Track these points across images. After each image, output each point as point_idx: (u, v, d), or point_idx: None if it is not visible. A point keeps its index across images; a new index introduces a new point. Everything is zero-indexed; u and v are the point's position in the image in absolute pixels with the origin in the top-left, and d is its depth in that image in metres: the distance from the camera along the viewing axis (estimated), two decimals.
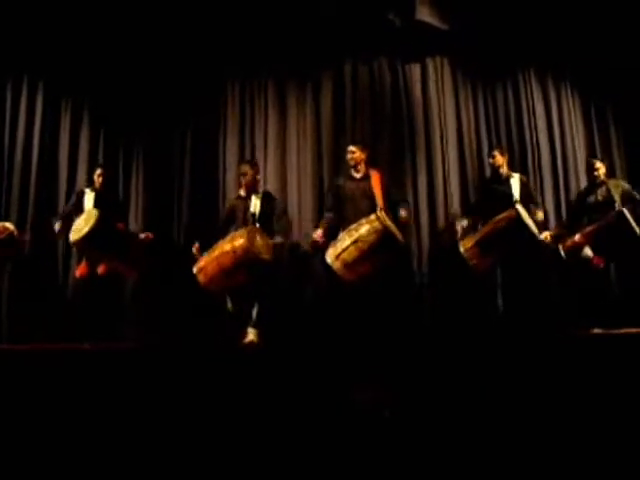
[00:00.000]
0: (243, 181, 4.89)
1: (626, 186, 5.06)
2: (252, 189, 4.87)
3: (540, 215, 5.06)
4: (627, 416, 3.03)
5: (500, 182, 5.13)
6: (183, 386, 3.36)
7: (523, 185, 5.10)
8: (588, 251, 4.89)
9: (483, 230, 4.75)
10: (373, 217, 4.43)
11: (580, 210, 5.21)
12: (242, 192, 4.91)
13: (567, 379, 3.29)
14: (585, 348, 3.65)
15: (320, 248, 4.77)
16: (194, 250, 4.70)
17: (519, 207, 4.75)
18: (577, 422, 3.02)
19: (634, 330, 4.18)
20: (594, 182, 5.10)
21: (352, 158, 4.92)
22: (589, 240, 4.90)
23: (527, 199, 5.03)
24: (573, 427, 2.98)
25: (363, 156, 4.94)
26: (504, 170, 5.17)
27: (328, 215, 4.98)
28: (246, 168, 4.91)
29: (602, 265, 4.82)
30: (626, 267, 4.91)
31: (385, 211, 4.70)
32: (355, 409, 3.03)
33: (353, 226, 4.48)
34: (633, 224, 4.64)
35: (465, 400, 3.19)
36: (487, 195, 5.22)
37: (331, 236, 4.67)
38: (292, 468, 2.86)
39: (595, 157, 5.44)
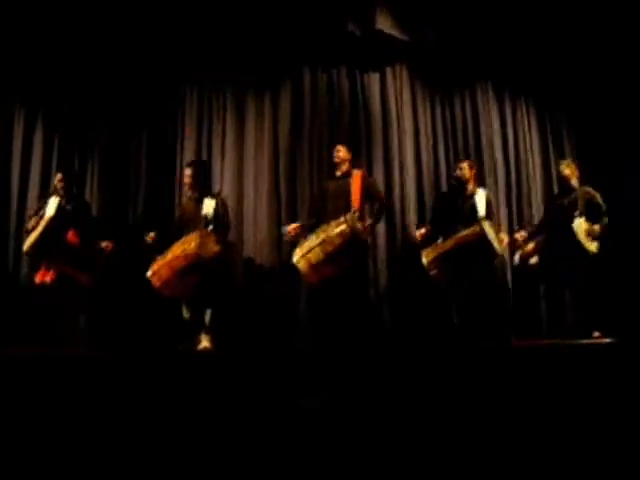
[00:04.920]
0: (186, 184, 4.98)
1: (593, 193, 5.01)
2: (202, 191, 4.90)
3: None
4: (573, 426, 3.08)
5: (464, 197, 5.03)
6: (138, 392, 3.34)
7: (488, 202, 4.99)
8: (534, 259, 4.99)
9: (447, 244, 4.76)
10: (342, 219, 4.46)
11: (548, 212, 5.28)
12: (190, 193, 4.97)
13: (514, 389, 3.33)
14: (533, 358, 3.70)
15: (290, 241, 4.95)
16: (148, 239, 4.73)
17: (484, 223, 4.71)
18: (526, 432, 3.05)
19: (584, 342, 4.29)
20: (567, 187, 5.09)
21: (337, 156, 5.01)
22: (537, 249, 5.01)
23: (489, 216, 4.96)
24: (522, 437, 3.02)
25: (348, 156, 5.03)
26: (470, 185, 5.06)
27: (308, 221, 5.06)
28: (187, 170, 4.99)
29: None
30: (574, 280, 4.99)
31: (361, 212, 4.78)
32: (303, 415, 3.03)
33: (322, 227, 4.55)
34: (581, 238, 4.74)
35: (418, 407, 3.22)
36: (449, 208, 5.14)
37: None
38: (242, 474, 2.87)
39: (565, 160, 5.50)
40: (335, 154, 5.03)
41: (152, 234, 4.75)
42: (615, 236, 5.03)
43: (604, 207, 4.94)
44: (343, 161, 5.00)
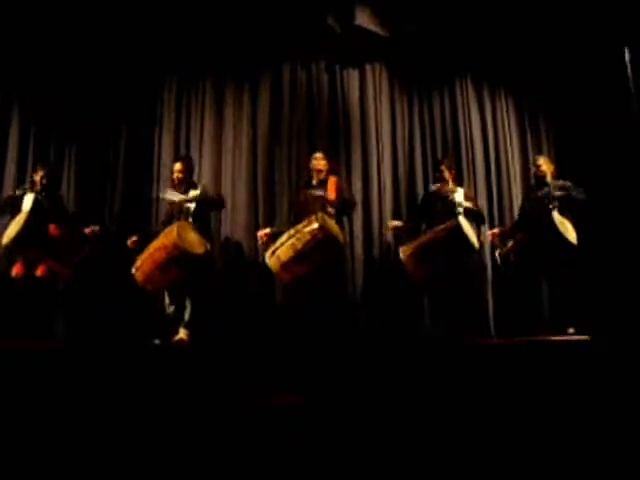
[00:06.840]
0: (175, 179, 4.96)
1: (564, 184, 5.05)
2: (187, 186, 4.91)
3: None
4: (548, 422, 3.10)
5: (443, 196, 5.13)
6: (114, 385, 3.33)
7: (467, 199, 5.12)
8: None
9: (423, 238, 4.84)
10: (313, 217, 4.50)
11: (524, 209, 5.30)
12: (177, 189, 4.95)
13: (491, 387, 3.35)
14: (510, 355, 3.72)
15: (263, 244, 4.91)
16: (129, 243, 4.75)
17: (461, 218, 4.82)
18: (502, 428, 3.07)
19: (562, 338, 4.29)
20: (540, 181, 5.16)
21: (319, 164, 5.07)
22: (519, 246, 5.04)
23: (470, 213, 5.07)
24: (498, 434, 3.04)
25: (328, 165, 5.10)
26: (449, 185, 5.14)
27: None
28: (177, 165, 4.99)
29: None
30: (554, 276, 5.01)
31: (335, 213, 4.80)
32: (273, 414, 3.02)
33: (295, 226, 4.58)
34: (561, 228, 4.75)
35: (390, 407, 3.22)
36: (430, 206, 5.24)
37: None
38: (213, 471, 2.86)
39: (541, 155, 5.56)
40: (317, 162, 5.09)
41: (134, 237, 4.76)
42: (592, 230, 5.05)
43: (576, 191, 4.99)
44: (324, 169, 5.06)
